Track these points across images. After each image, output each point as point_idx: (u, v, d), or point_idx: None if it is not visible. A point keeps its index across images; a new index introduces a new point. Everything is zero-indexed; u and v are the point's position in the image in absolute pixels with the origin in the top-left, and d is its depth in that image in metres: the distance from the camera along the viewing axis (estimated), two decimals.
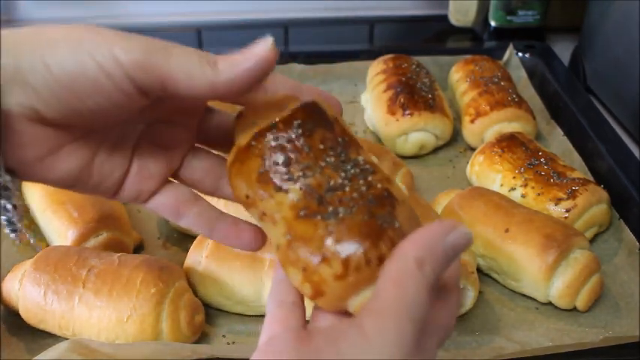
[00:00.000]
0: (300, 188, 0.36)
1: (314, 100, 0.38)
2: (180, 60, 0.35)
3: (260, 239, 0.43)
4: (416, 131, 0.93)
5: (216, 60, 0.35)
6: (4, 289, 0.66)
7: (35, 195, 0.77)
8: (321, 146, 0.37)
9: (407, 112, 0.92)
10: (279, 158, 0.37)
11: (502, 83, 0.97)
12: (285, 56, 1.11)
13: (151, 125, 0.41)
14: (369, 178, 0.37)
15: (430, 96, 0.95)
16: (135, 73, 0.34)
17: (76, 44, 0.34)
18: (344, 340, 0.33)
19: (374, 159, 0.39)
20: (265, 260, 0.68)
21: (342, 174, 0.36)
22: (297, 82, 0.42)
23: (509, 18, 1.20)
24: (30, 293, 0.64)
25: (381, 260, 0.34)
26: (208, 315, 0.69)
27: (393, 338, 0.32)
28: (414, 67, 1.01)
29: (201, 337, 0.67)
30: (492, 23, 1.22)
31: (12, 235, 0.38)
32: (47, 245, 0.75)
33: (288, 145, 0.37)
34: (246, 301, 0.68)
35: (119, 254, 0.67)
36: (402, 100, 0.93)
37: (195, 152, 0.43)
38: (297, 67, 1.07)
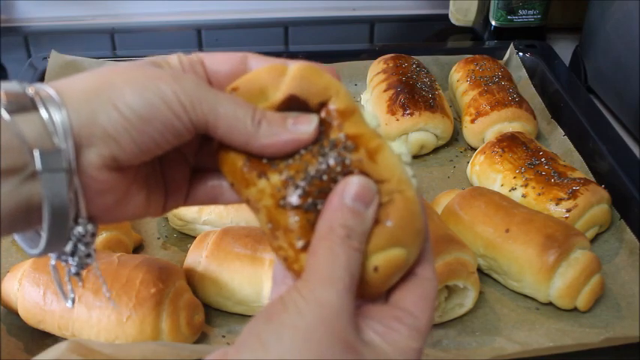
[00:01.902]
0: (280, 177, 0.37)
1: (292, 93, 0.39)
2: (226, 109, 0.37)
3: None
4: (416, 131, 0.92)
5: (261, 119, 0.38)
6: (4, 290, 0.66)
7: None
8: None
9: (407, 111, 0.92)
10: None
11: (502, 83, 0.97)
12: (285, 56, 1.10)
13: None
14: (347, 161, 0.37)
15: (430, 96, 0.94)
16: (191, 110, 0.36)
17: (140, 87, 0.36)
18: (286, 306, 0.34)
19: (364, 122, 0.39)
20: (265, 260, 0.67)
21: (321, 159, 0.37)
22: (284, 60, 0.43)
23: (509, 17, 1.20)
24: (29, 293, 0.63)
25: None
26: (208, 315, 0.69)
27: (320, 302, 0.33)
28: (414, 66, 1.01)
29: (201, 337, 0.67)
30: (493, 23, 1.22)
31: (75, 275, 0.40)
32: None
33: None
34: (246, 301, 0.68)
35: (119, 254, 0.67)
36: (402, 99, 0.93)
37: (203, 142, 0.45)
38: None
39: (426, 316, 0.37)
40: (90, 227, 0.37)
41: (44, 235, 0.35)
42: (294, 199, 0.37)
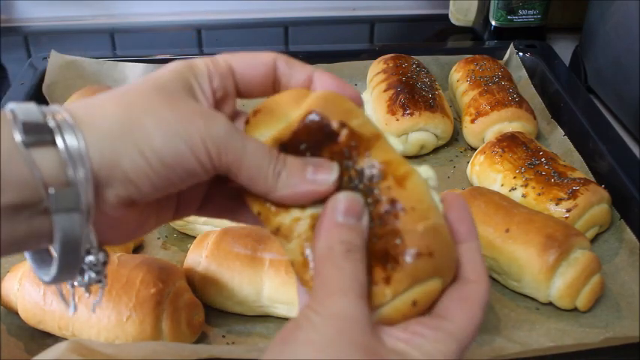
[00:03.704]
0: (313, 207, 0.37)
1: (314, 110, 0.38)
2: (251, 161, 0.36)
3: None
4: (416, 131, 0.92)
5: (280, 171, 0.37)
6: (4, 290, 0.66)
7: None
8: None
9: (407, 111, 0.92)
10: None
11: (503, 83, 0.97)
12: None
13: None
14: (376, 191, 0.37)
15: (430, 96, 0.95)
16: (216, 158, 0.36)
17: (170, 132, 0.35)
18: (300, 323, 0.34)
19: (390, 148, 0.38)
20: (265, 260, 0.67)
21: (352, 188, 0.37)
22: (311, 70, 0.42)
23: (509, 17, 1.20)
24: (29, 293, 0.63)
25: (387, 280, 0.35)
26: (208, 315, 0.69)
27: (334, 313, 0.33)
28: (414, 66, 1.01)
29: (201, 337, 0.67)
30: (493, 23, 1.22)
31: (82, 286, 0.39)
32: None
33: None
34: (245, 301, 0.68)
35: (119, 254, 0.67)
36: (402, 99, 0.93)
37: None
38: None
39: (462, 319, 0.36)
40: (101, 256, 0.36)
41: (55, 266, 0.34)
42: None
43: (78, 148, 0.32)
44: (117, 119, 0.34)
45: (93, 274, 0.37)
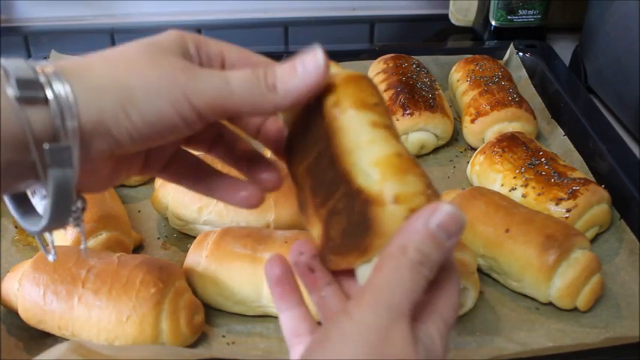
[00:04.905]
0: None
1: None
2: (242, 94, 0.37)
3: (255, 199, 0.46)
4: (416, 131, 0.92)
5: (274, 83, 0.38)
6: (4, 289, 0.66)
7: None
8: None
9: (407, 111, 0.92)
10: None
11: (502, 83, 0.97)
12: (285, 56, 1.10)
13: None
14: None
15: (430, 96, 0.95)
16: (205, 114, 0.37)
17: (154, 93, 0.36)
18: (331, 332, 0.34)
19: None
20: (265, 260, 0.67)
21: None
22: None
23: (509, 17, 1.20)
24: (29, 293, 0.63)
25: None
26: (208, 315, 0.69)
27: (369, 323, 0.32)
28: (414, 66, 1.01)
29: (201, 338, 0.67)
30: (493, 23, 1.22)
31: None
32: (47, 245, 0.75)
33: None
34: (245, 301, 0.68)
35: (119, 254, 0.67)
36: (402, 99, 0.93)
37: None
38: None
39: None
40: (80, 203, 0.38)
41: (46, 218, 0.36)
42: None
43: (67, 99, 0.34)
44: (103, 77, 0.36)
45: (71, 220, 0.38)
